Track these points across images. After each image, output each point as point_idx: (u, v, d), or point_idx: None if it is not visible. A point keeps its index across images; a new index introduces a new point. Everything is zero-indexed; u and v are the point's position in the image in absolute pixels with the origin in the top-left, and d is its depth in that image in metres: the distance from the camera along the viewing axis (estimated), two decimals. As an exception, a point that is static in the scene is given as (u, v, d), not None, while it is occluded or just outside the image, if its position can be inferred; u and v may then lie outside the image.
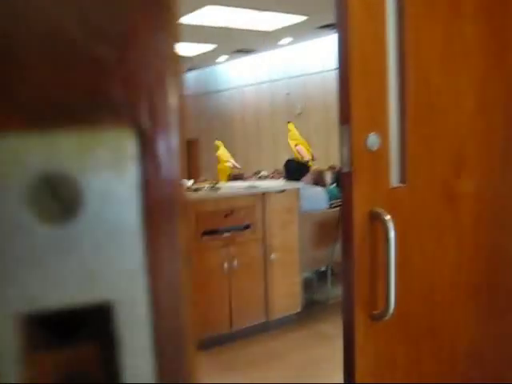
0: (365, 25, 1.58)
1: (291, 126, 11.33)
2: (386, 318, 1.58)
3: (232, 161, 11.82)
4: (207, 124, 17.24)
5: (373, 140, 1.58)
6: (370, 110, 1.59)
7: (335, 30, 1.62)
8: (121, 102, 0.37)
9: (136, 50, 0.38)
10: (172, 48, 0.41)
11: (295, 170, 5.42)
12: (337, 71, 1.59)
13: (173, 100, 0.39)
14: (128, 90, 0.37)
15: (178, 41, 0.42)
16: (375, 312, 1.61)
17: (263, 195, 4.51)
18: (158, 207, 0.38)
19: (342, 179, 1.63)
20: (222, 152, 12.56)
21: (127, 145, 0.37)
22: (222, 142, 13.89)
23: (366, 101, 1.57)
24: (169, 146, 0.39)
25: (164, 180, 0.38)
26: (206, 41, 11.93)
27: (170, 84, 0.39)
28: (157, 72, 0.39)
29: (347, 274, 1.64)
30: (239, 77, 15.40)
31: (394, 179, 1.67)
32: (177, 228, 0.39)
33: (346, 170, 1.60)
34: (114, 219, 0.36)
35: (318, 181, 5.97)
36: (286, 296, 4.68)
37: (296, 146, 10.78)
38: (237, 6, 9.02)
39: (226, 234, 4.33)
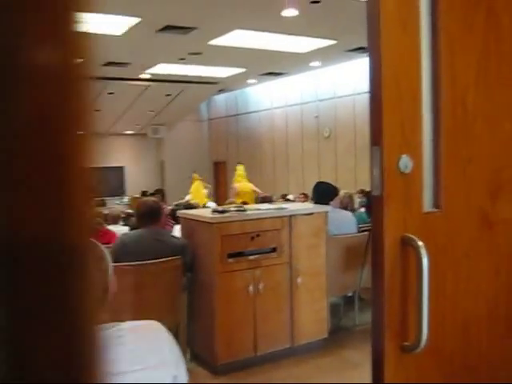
0: (398, 44, 1.53)
1: (239, 167, 12.44)
2: (418, 350, 1.49)
3: (235, 185, 11.95)
4: (236, 146, 17.31)
5: (405, 162, 1.52)
6: (402, 131, 1.52)
7: (365, 54, 1.57)
8: None
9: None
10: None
11: (324, 192, 5.34)
12: (369, 91, 1.53)
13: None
14: None
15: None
16: (406, 343, 1.53)
17: (290, 218, 4.44)
18: None
19: (373, 203, 1.56)
20: (197, 185, 13.59)
21: None
22: (250, 164, 13.91)
23: (398, 121, 1.51)
24: None
25: None
26: (235, 63, 12.02)
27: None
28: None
29: (377, 302, 1.56)
30: (269, 99, 15.45)
31: (427, 204, 1.60)
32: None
33: (376, 193, 1.53)
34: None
35: (347, 205, 5.88)
36: (313, 321, 4.57)
37: (232, 185, 11.86)
38: (264, 31, 9.07)
39: (252, 257, 4.26)
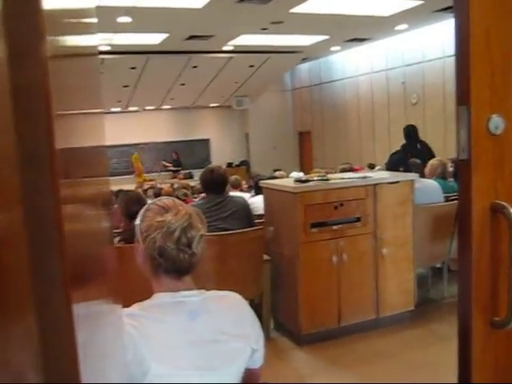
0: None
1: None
2: (510, 326, 1.38)
3: None
4: (320, 115, 17.07)
5: (496, 122, 1.39)
6: (493, 88, 1.39)
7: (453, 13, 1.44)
8: None
9: None
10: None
11: (394, 163, 5.17)
12: (454, 43, 1.40)
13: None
14: None
15: None
16: (496, 318, 1.42)
17: (375, 187, 4.30)
18: None
19: (459, 167, 1.45)
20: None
21: None
22: (335, 133, 13.74)
23: (488, 77, 1.38)
24: None
25: None
26: (318, 31, 11.76)
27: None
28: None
29: (464, 275, 1.46)
30: (354, 66, 15.06)
31: (521, 167, 1.46)
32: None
33: (463, 156, 1.41)
34: None
35: (441, 173, 5.59)
36: (399, 293, 4.45)
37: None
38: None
39: (336, 227, 4.18)
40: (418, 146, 7.10)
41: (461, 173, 1.44)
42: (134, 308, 1.50)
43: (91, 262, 0.82)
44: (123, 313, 1.48)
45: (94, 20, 0.93)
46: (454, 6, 1.42)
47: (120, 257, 3.57)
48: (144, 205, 1.66)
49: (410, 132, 7.29)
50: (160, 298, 1.51)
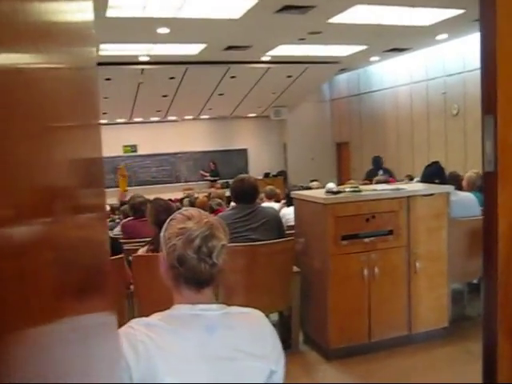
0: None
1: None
2: (537, 350, 1.29)
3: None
4: (359, 126, 16.92)
5: (524, 133, 1.31)
6: (520, 97, 1.31)
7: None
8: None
9: None
10: None
11: (430, 174, 5.04)
12: (480, 50, 1.33)
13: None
14: None
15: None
16: (523, 341, 1.33)
17: (408, 199, 4.20)
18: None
19: (485, 180, 1.37)
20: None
21: None
22: (373, 144, 13.57)
23: (515, 85, 1.30)
24: None
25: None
26: (357, 41, 11.67)
27: None
28: None
29: (489, 293, 1.38)
30: (393, 76, 14.88)
31: (551, 181, 1.37)
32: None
33: (489, 168, 1.34)
34: None
35: (478, 186, 5.43)
36: (432, 309, 4.31)
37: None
38: (385, 4, 8.65)
39: (367, 240, 4.09)
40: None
41: (486, 186, 1.36)
42: (153, 318, 1.48)
43: (84, 274, 0.80)
44: (141, 322, 1.46)
45: (92, 32, 0.92)
46: (479, 12, 1.36)
47: (147, 265, 3.58)
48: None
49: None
50: (179, 309, 1.50)
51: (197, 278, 1.48)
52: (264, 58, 13.10)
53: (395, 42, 11.90)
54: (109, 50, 10.57)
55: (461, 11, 9.15)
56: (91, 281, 0.84)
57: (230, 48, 11.51)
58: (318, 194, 4.52)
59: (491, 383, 1.37)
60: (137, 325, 1.44)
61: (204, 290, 1.51)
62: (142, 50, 11.37)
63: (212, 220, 1.53)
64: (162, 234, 1.55)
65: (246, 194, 4.21)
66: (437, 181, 4.92)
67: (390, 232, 4.16)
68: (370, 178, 9.81)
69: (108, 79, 12.18)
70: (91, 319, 0.79)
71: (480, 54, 1.34)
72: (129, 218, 5.55)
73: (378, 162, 11.88)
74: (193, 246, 1.45)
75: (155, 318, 1.48)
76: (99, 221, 0.88)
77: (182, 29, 9.47)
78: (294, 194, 4.77)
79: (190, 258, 1.45)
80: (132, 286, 3.85)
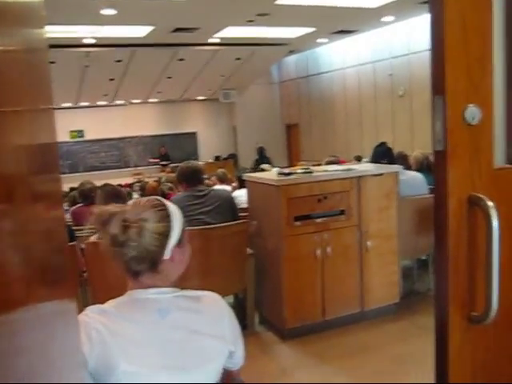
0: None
1: None
2: (487, 321, 1.34)
3: None
4: (308, 108, 17.02)
5: (472, 112, 1.35)
6: (469, 77, 1.35)
7: None
8: None
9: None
10: None
11: (379, 154, 5.16)
12: (430, 29, 1.36)
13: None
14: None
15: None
16: (474, 313, 1.39)
17: (359, 179, 4.27)
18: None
19: (435, 159, 1.41)
20: None
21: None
22: (322, 126, 13.67)
23: (464, 65, 1.34)
24: None
25: None
26: (305, 23, 11.69)
27: None
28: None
29: (440, 268, 1.42)
30: (341, 58, 15.01)
31: (498, 158, 1.42)
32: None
33: (439, 147, 1.37)
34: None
35: (424, 165, 5.59)
36: (383, 285, 4.43)
37: None
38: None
39: (320, 220, 4.15)
40: None
41: (436, 164, 1.40)
42: (107, 304, 1.47)
43: (45, 262, 0.78)
44: (96, 309, 1.44)
45: (43, 13, 0.89)
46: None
47: (100, 252, 3.53)
48: (124, 199, 1.64)
49: None
50: (131, 294, 1.49)
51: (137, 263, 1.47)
52: (212, 41, 12.97)
53: (343, 23, 11.99)
54: (52, 31, 10.24)
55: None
56: (50, 268, 0.82)
57: (177, 30, 11.33)
58: (270, 175, 4.54)
59: (443, 356, 1.42)
60: (92, 312, 1.43)
61: (155, 275, 1.49)
62: (87, 32, 11.07)
63: (149, 204, 1.52)
64: None
65: (192, 173, 4.25)
66: (385, 161, 5.03)
67: (342, 212, 4.23)
68: (255, 167, 11.27)
69: (52, 62, 11.82)
70: (51, 307, 0.78)
71: (430, 34, 1.36)
72: (78, 205, 5.42)
73: (261, 152, 15.60)
74: (126, 231, 1.43)
75: (109, 304, 1.47)
76: (56, 207, 0.86)
77: (129, 10, 9.26)
78: (247, 176, 4.78)
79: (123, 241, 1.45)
80: (85, 274, 3.79)
